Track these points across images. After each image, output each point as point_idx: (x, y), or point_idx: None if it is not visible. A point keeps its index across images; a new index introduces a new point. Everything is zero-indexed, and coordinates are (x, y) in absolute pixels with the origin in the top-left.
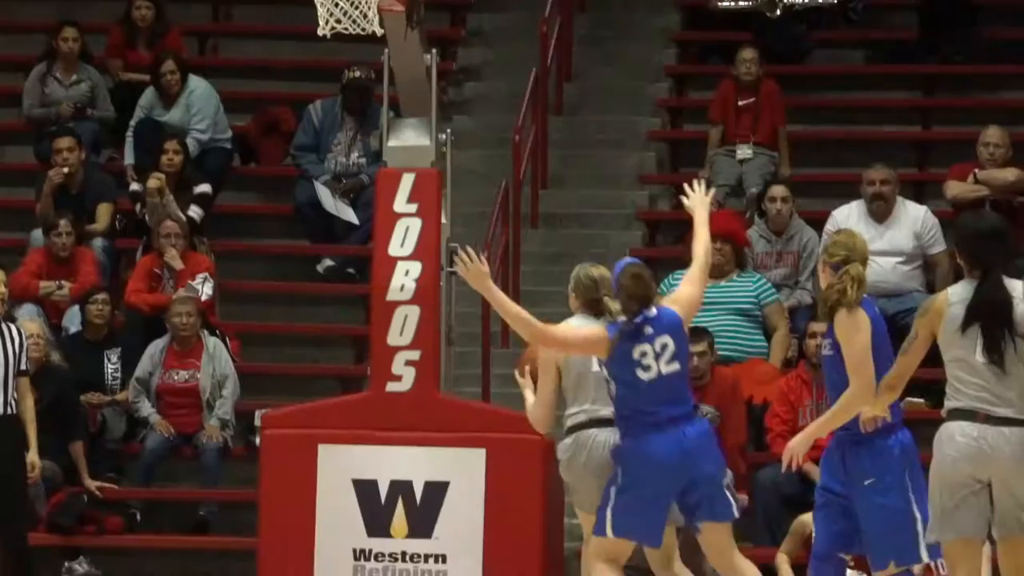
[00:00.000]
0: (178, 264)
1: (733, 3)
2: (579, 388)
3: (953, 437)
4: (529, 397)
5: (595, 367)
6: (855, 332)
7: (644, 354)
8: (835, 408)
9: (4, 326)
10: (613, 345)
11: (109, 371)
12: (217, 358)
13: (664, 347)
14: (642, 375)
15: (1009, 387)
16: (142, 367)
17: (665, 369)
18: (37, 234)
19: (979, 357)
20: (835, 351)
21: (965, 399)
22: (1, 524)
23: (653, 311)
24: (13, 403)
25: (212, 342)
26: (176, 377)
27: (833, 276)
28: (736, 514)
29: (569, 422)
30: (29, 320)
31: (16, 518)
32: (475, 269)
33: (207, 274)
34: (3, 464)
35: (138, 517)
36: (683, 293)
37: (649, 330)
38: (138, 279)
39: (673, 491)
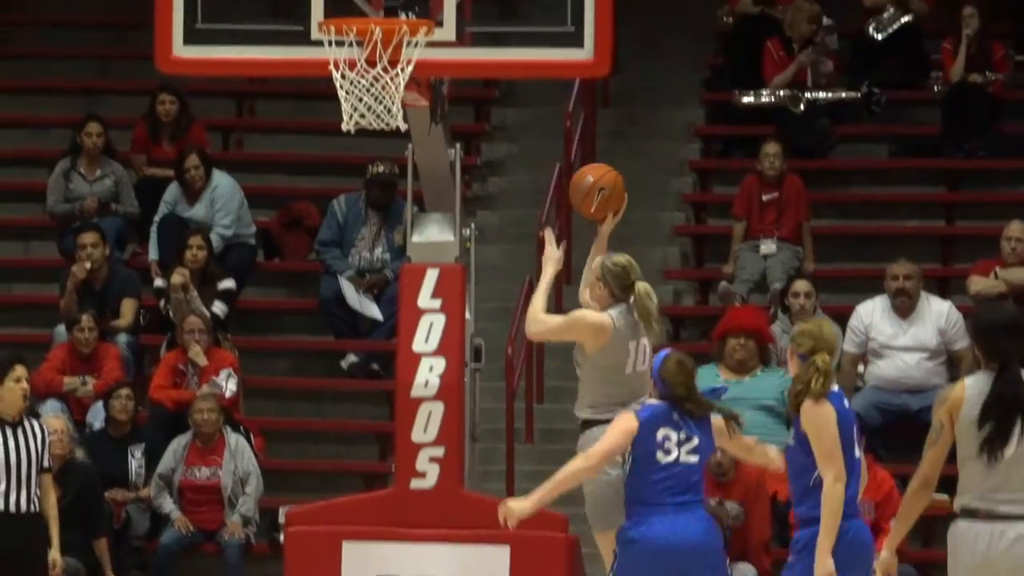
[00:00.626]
0: (202, 360)
1: (756, 99)
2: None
3: (965, 538)
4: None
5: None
6: (822, 424)
7: (667, 438)
8: (825, 516)
9: (27, 423)
10: (642, 424)
11: (133, 467)
12: (239, 455)
13: (689, 438)
14: (661, 458)
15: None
16: (164, 463)
17: (684, 458)
18: (61, 330)
19: (988, 452)
20: (798, 442)
21: (972, 495)
22: None
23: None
24: (36, 500)
25: (234, 439)
26: (198, 474)
27: (800, 366)
28: None
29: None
30: (53, 416)
31: None
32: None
33: (231, 370)
34: (26, 562)
35: None
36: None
37: (676, 416)
38: (162, 375)
39: None
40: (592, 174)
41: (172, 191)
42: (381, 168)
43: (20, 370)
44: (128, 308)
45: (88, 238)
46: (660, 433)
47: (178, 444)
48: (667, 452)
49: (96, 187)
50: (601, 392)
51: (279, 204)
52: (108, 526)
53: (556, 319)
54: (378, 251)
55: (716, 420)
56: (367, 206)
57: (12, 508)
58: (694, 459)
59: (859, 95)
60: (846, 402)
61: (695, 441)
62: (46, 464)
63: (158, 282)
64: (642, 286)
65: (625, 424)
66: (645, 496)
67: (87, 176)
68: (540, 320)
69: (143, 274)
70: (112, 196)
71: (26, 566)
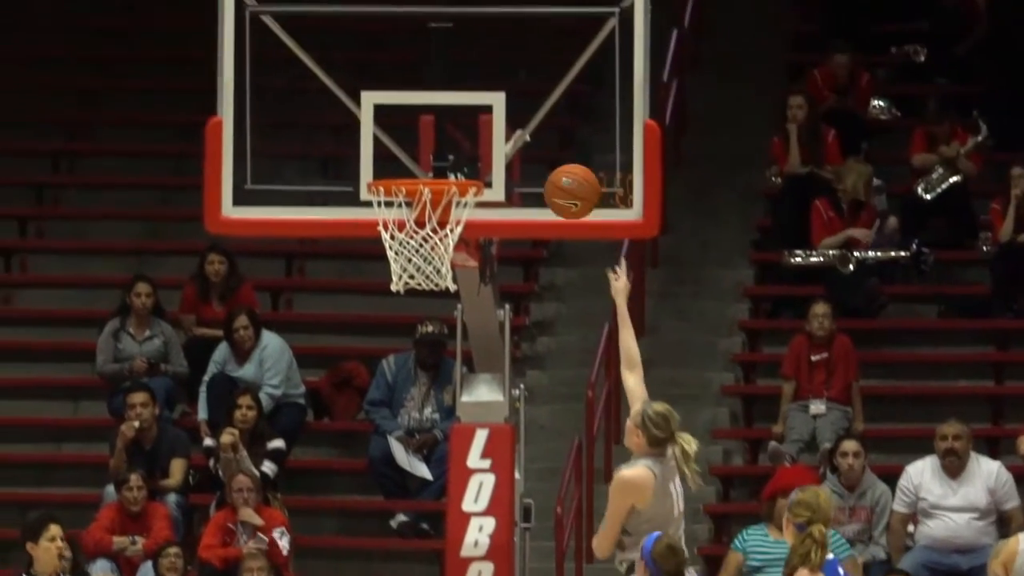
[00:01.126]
0: (256, 520)
1: (805, 259)
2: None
3: None
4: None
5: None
6: None
7: None
8: None
9: None
10: None
11: None
12: None
13: None
14: None
15: None
16: None
17: None
18: (110, 489)
19: None
20: None
21: None
22: None
23: None
24: None
25: None
26: None
27: (797, 536)
28: None
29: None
30: (102, 573)
31: None
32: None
33: (284, 528)
34: None
35: None
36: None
37: None
38: (211, 534)
39: None
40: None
41: (221, 351)
42: (430, 328)
43: (55, 529)
44: (177, 468)
45: (138, 398)
46: None
47: None
48: None
49: (145, 347)
50: None
51: (328, 364)
52: None
53: (607, 516)
54: (427, 411)
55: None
56: (416, 366)
57: None
58: None
59: (908, 255)
60: (841, 570)
61: None
62: None
63: (207, 441)
64: (683, 436)
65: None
66: None
67: (136, 336)
68: (599, 543)
69: (192, 434)
70: (161, 356)
71: None
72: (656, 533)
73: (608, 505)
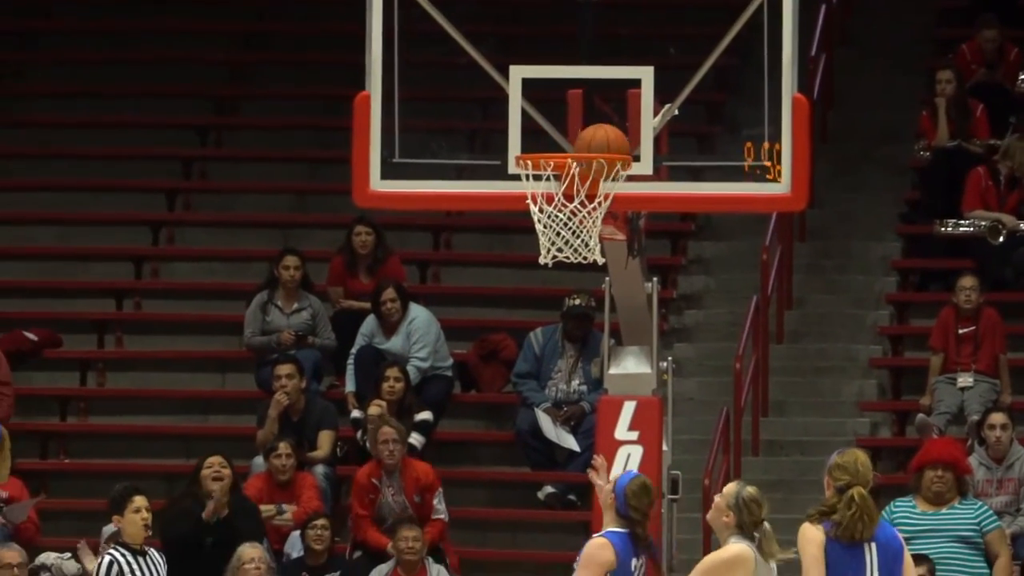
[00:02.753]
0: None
1: (955, 228)
2: None
3: None
4: None
5: None
6: (803, 544)
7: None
8: None
9: (151, 552)
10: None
11: None
12: None
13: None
14: None
15: None
16: None
17: None
18: (258, 461)
19: None
20: None
21: None
22: None
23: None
24: None
25: (436, 569)
26: None
27: (837, 498)
28: None
29: None
30: (250, 546)
31: None
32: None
33: (440, 492)
34: None
35: None
36: None
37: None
38: (359, 499)
39: None
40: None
41: (369, 323)
42: (578, 301)
43: (139, 500)
44: (325, 439)
45: (284, 369)
46: (633, 563)
47: (379, 574)
48: None
49: (293, 320)
50: None
51: (476, 336)
52: None
53: None
54: (575, 383)
55: None
56: (564, 338)
57: None
58: None
59: None
60: (892, 531)
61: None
62: None
63: (355, 413)
64: (768, 527)
65: (603, 555)
66: None
67: (284, 309)
68: None
69: (340, 405)
70: (309, 329)
71: None
72: (633, 472)
73: None
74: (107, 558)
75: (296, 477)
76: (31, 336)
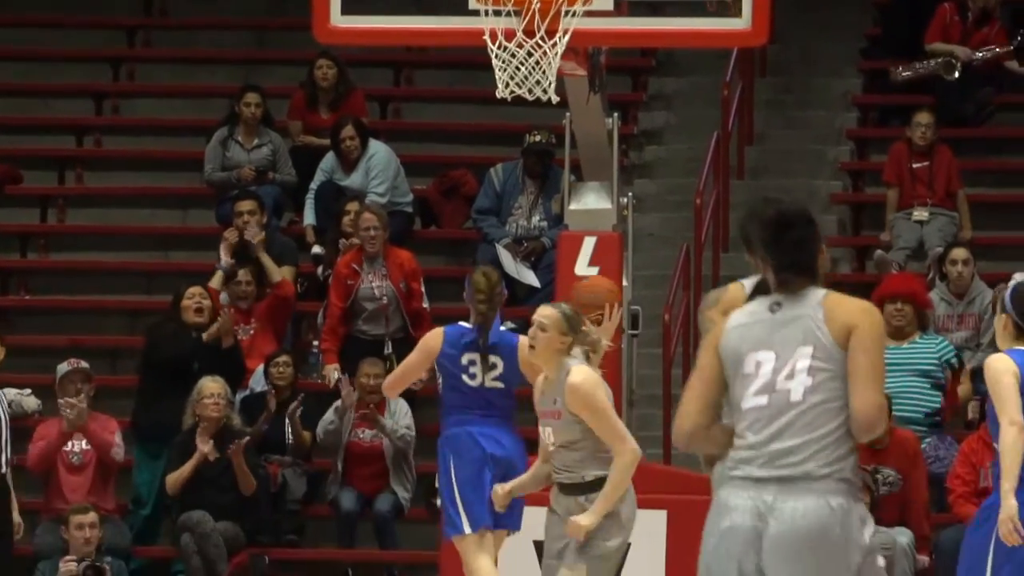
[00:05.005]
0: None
1: (913, 72)
2: None
3: None
4: None
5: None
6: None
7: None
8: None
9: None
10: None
11: (289, 432)
12: (399, 416)
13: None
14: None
15: None
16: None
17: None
18: (223, 297)
19: None
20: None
21: None
22: None
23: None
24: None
25: (396, 403)
26: (362, 435)
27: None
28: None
29: None
30: (210, 380)
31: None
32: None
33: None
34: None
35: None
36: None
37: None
38: (338, 288)
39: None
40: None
41: (329, 159)
42: (538, 137)
43: None
44: (286, 275)
45: (246, 205)
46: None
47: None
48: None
49: (253, 156)
50: None
51: (436, 172)
52: (263, 489)
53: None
54: (535, 219)
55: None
56: (524, 175)
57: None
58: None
59: (1012, 47)
60: None
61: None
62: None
63: (315, 249)
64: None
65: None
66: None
67: (244, 145)
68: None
69: (299, 241)
70: (269, 165)
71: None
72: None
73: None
74: None
75: (255, 307)
76: None
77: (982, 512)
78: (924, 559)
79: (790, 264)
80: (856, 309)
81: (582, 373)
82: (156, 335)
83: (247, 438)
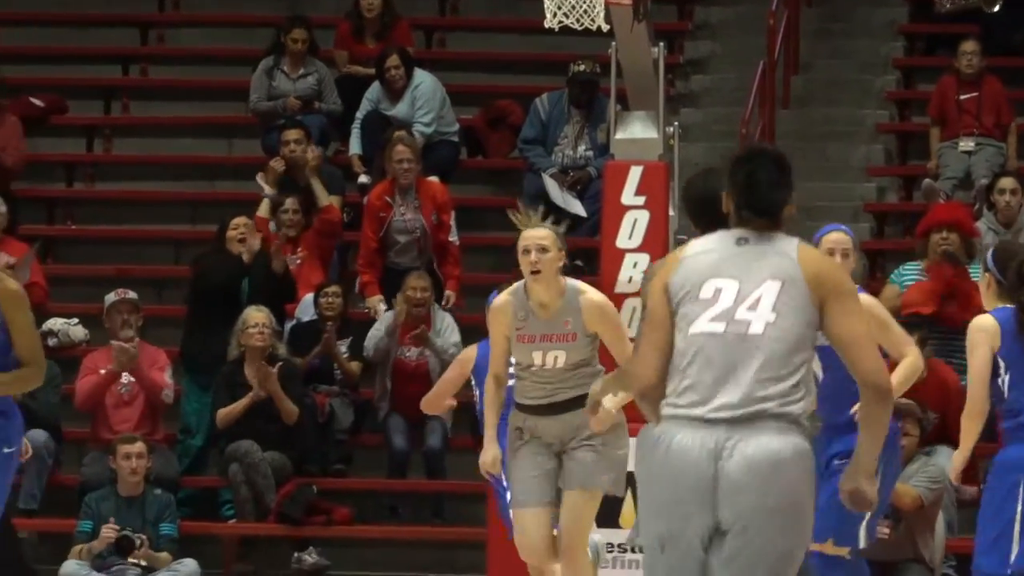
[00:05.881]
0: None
1: (954, 4)
2: None
3: None
4: None
5: None
6: None
7: None
8: None
9: None
10: None
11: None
12: (446, 333)
13: None
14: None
15: None
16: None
17: None
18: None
19: None
20: None
21: None
22: None
23: None
24: None
25: (441, 316)
26: (408, 354)
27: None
28: None
29: None
30: (255, 309)
31: None
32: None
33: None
34: None
35: (399, 511)
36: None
37: None
38: (371, 221)
39: None
40: None
41: (375, 89)
42: (582, 67)
43: None
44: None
45: (292, 135)
46: None
47: (385, 323)
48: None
49: (299, 85)
50: None
51: (482, 102)
52: (311, 419)
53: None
54: (581, 149)
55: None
56: (570, 104)
57: None
58: None
59: None
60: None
61: None
62: None
63: (362, 178)
64: None
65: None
66: None
67: (290, 74)
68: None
69: (345, 171)
70: (315, 94)
71: None
72: None
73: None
74: None
75: (303, 236)
76: (37, 102)
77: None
78: (971, 489)
79: (749, 202)
80: (829, 263)
81: (594, 291)
82: (203, 265)
83: (278, 366)
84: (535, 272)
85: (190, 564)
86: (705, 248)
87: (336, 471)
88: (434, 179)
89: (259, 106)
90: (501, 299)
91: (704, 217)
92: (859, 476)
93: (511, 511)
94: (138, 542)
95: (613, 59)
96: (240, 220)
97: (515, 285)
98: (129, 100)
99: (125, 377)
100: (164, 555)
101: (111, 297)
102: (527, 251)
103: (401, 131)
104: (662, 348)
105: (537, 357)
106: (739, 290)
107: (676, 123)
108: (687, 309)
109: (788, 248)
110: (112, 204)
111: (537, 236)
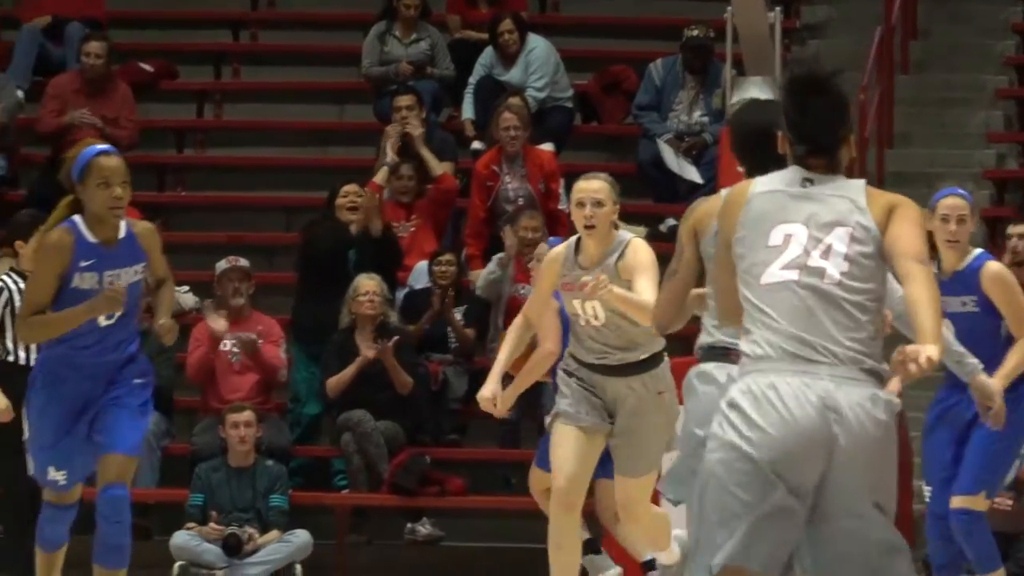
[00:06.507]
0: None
1: None
2: None
3: None
4: None
5: None
6: None
7: None
8: None
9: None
10: None
11: (452, 330)
12: None
13: None
14: None
15: None
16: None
17: None
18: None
19: None
20: None
21: None
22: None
23: None
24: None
25: None
26: (522, 291)
27: None
28: None
29: None
30: (366, 277)
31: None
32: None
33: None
34: None
35: (513, 482)
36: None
37: None
38: (478, 190)
39: None
40: None
41: (488, 54)
42: (696, 32)
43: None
44: (446, 171)
45: (404, 100)
46: None
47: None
48: None
49: (411, 50)
50: None
51: (596, 67)
52: (424, 388)
53: None
54: (696, 114)
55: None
56: (684, 70)
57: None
58: None
59: None
60: None
61: None
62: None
63: (475, 145)
64: None
65: None
66: None
67: (402, 39)
68: None
69: (458, 137)
70: (427, 59)
71: None
72: None
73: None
74: None
75: (416, 204)
76: (147, 68)
77: None
78: None
79: (804, 137)
80: (898, 198)
81: (642, 241)
82: (311, 233)
83: (396, 337)
84: (589, 227)
85: (302, 535)
86: (774, 188)
87: (450, 441)
88: (546, 146)
89: (371, 71)
90: (557, 249)
91: (752, 153)
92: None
93: (553, 426)
94: (246, 537)
95: (729, 23)
96: (350, 188)
97: (573, 237)
98: (240, 65)
99: (234, 343)
100: (273, 534)
101: (222, 264)
102: (581, 204)
103: (513, 97)
104: (678, 293)
105: (578, 306)
106: (809, 236)
107: None
108: (755, 256)
109: (855, 193)
110: (223, 170)
111: (592, 189)
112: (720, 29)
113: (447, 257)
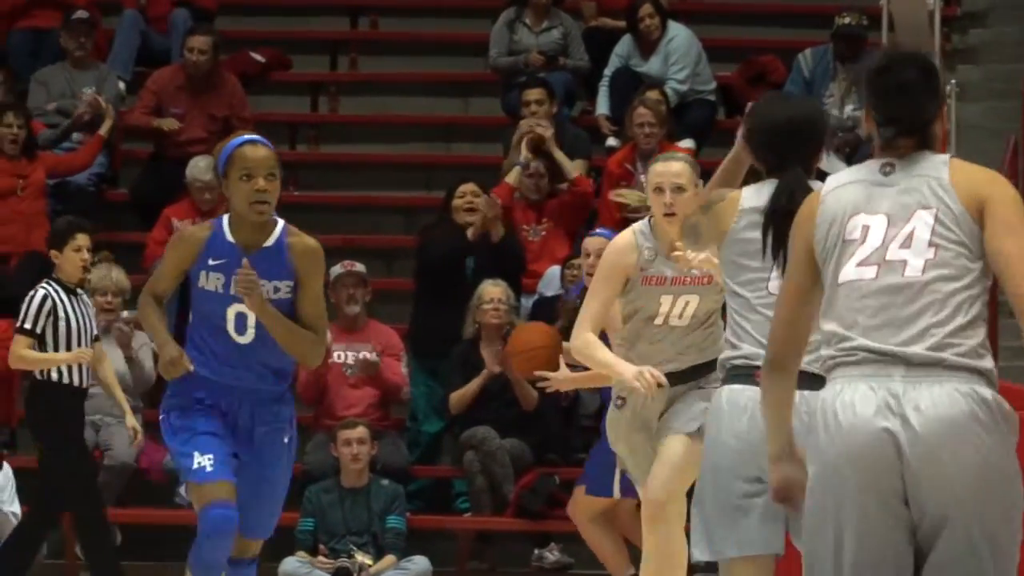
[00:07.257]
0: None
1: None
2: None
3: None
4: None
5: None
6: None
7: None
8: None
9: (82, 293)
10: None
11: None
12: None
13: None
14: None
15: None
16: None
17: None
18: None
19: None
20: None
21: None
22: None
23: None
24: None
25: None
26: None
27: None
28: None
29: None
30: (492, 284)
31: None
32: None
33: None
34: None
35: None
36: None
37: None
38: (611, 186)
39: None
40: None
41: (625, 43)
42: (848, 19)
43: (82, 239)
44: (579, 169)
45: (534, 94)
46: None
47: None
48: None
49: (542, 39)
50: None
51: (740, 57)
52: (553, 404)
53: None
54: (848, 108)
55: None
56: (835, 60)
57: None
58: None
59: None
60: None
61: None
62: (95, 333)
63: (611, 141)
64: None
65: None
66: None
67: (533, 27)
68: None
69: (592, 133)
70: (560, 49)
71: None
72: None
73: None
74: (41, 292)
75: (547, 203)
76: (258, 57)
77: None
78: None
79: (891, 116)
80: (986, 175)
81: None
82: (427, 237)
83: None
84: (669, 215)
85: (421, 562)
86: (847, 180)
87: (580, 460)
88: (686, 143)
89: (499, 62)
90: (624, 236)
91: (771, 150)
92: None
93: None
94: (356, 568)
95: (885, 11)
96: (467, 187)
97: (639, 223)
98: (357, 55)
99: (347, 355)
100: (389, 560)
101: (337, 269)
102: (660, 190)
103: (650, 91)
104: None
105: (666, 303)
106: (888, 225)
107: (953, 81)
108: (837, 254)
109: (938, 169)
110: (338, 168)
111: (672, 172)
112: (875, 16)
113: (579, 261)
